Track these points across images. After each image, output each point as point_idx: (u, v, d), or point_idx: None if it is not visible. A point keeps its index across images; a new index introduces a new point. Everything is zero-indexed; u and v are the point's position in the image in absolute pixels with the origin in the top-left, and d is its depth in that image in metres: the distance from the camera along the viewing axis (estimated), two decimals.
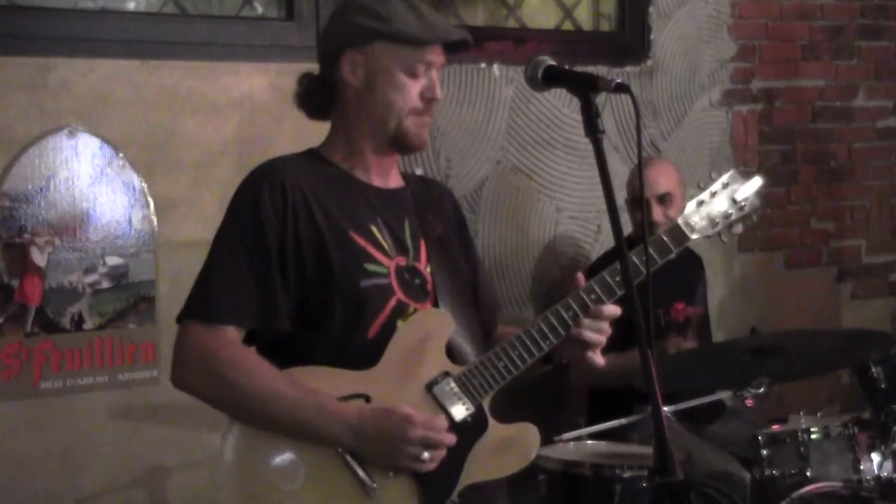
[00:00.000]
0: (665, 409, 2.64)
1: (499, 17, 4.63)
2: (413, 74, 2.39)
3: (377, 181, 2.45)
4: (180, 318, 2.33)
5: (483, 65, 4.41)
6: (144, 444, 3.69)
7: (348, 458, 2.22)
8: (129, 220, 3.66)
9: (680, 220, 2.45)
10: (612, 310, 2.37)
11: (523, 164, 4.53)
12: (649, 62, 4.83)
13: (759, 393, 3.47)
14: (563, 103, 4.54)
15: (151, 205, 3.69)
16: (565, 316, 2.35)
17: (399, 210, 2.45)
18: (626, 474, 3.36)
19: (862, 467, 3.52)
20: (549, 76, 2.20)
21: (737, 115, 5.12)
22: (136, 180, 3.67)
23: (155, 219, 3.69)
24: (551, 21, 4.74)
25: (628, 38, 4.83)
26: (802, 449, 3.59)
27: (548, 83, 2.21)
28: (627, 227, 4.08)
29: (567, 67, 2.27)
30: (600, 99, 2.13)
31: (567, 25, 4.76)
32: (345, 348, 2.29)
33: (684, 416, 3.72)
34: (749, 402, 3.60)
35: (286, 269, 2.29)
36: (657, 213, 3.95)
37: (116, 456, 3.66)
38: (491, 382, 2.31)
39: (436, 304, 2.39)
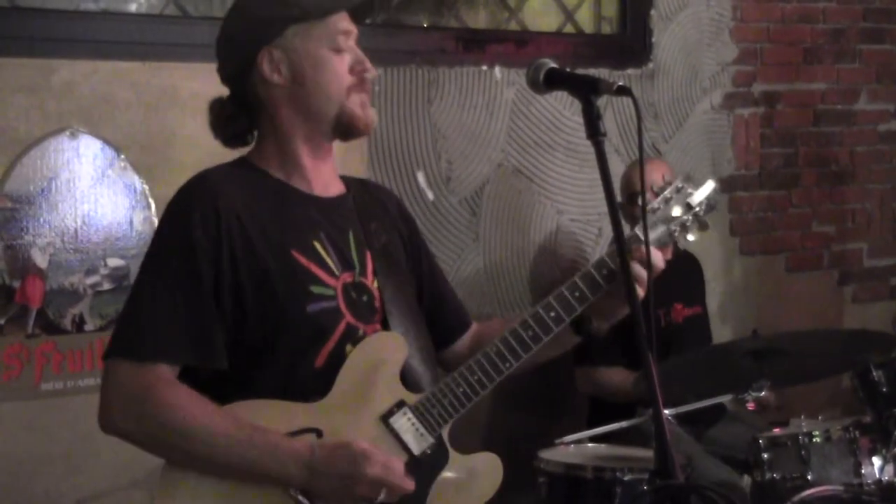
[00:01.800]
0: (666, 412, 2.63)
1: (500, 20, 4.63)
2: (337, 49, 2.24)
3: (317, 189, 2.30)
4: (106, 356, 2.16)
5: (484, 67, 4.41)
6: None
7: (300, 498, 2.08)
8: (131, 222, 3.66)
9: (636, 229, 2.33)
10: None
11: (524, 166, 4.53)
12: (651, 65, 4.83)
13: (761, 396, 3.47)
14: (564, 106, 4.54)
15: (153, 206, 3.70)
16: (524, 335, 2.23)
17: (342, 220, 2.30)
18: (627, 477, 3.35)
19: (863, 471, 3.51)
20: (550, 79, 2.16)
21: (738, 118, 5.12)
22: (138, 182, 3.67)
23: (156, 220, 3.69)
24: (553, 24, 4.74)
25: (630, 41, 4.82)
26: (803, 452, 3.59)
27: (549, 86, 2.17)
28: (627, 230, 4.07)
29: (568, 70, 2.24)
30: (602, 101, 2.12)
31: (569, 28, 4.76)
32: (291, 379, 2.14)
33: (685, 419, 3.72)
34: (750, 406, 3.60)
35: (222, 300, 2.13)
36: None
37: (117, 457, 3.65)
38: (450, 410, 2.19)
39: (385, 322, 2.26)
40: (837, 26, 5.42)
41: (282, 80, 2.26)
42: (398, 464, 2.12)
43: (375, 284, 2.28)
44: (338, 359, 2.17)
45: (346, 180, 2.42)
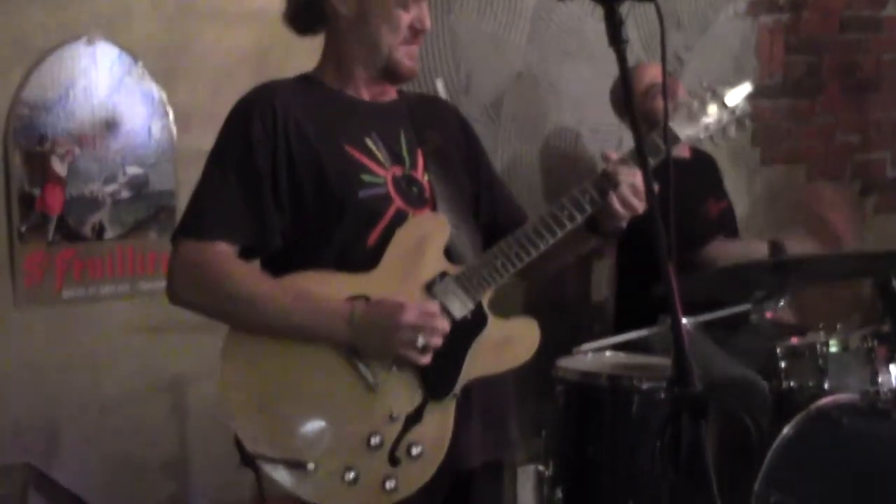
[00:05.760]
0: (685, 320, 2.64)
1: None
2: (405, 6, 2.40)
3: (368, 96, 2.46)
4: (174, 237, 2.36)
5: None
6: (166, 353, 3.72)
7: (349, 355, 2.24)
8: (149, 130, 3.66)
9: (671, 125, 2.44)
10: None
11: (545, 75, 4.49)
12: None
13: (780, 307, 3.47)
14: (586, 13, 4.48)
15: (171, 114, 3.69)
16: (560, 215, 2.37)
17: (393, 122, 2.46)
18: (645, 386, 3.38)
19: (880, 379, 3.53)
20: None
21: (762, 26, 5.05)
22: (155, 90, 3.66)
23: (174, 129, 3.69)
24: None
25: None
26: (821, 361, 3.61)
27: None
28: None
29: None
30: (624, 9, 2.10)
31: None
32: (345, 258, 2.31)
33: (704, 328, 3.73)
34: (769, 315, 3.60)
35: (278, 189, 2.31)
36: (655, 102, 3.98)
37: (138, 364, 3.70)
38: (489, 280, 2.33)
39: (434, 210, 2.41)
40: None
41: (348, 13, 2.41)
42: (434, 306, 2.27)
43: (426, 178, 2.43)
44: (388, 238, 2.33)
45: (403, 93, 2.57)
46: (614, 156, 2.43)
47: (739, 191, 4.97)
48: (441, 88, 4.22)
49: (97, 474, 3.59)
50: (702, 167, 4.35)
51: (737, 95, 2.49)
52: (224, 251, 2.29)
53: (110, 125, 3.59)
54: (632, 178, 2.36)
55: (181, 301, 2.34)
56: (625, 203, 2.37)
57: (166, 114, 3.68)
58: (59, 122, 3.50)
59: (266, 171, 2.31)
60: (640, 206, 2.37)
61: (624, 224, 2.44)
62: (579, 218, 2.39)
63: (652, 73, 4.10)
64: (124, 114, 3.61)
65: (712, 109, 2.48)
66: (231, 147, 2.34)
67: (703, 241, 4.01)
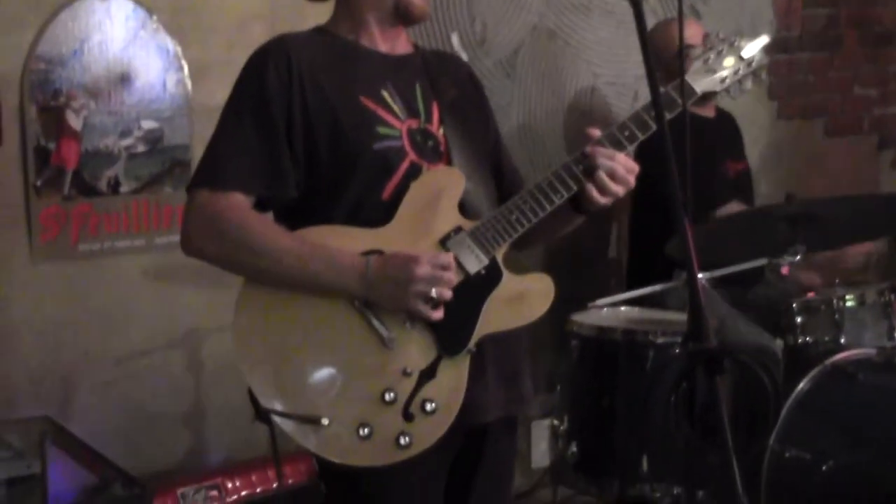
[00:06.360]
0: (701, 275, 2.63)
1: None
2: None
3: (384, 48, 2.44)
4: (189, 188, 2.35)
5: None
6: (181, 307, 3.74)
7: (363, 308, 2.24)
8: (164, 84, 3.65)
9: (687, 77, 2.42)
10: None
11: (560, 28, 4.46)
12: None
13: (795, 261, 3.46)
14: None
15: (185, 68, 3.68)
16: (575, 169, 2.33)
17: (409, 74, 2.43)
18: (660, 340, 3.38)
19: None
20: None
21: None
22: (170, 44, 3.65)
23: (189, 83, 3.68)
24: None
25: None
26: (837, 316, 3.60)
27: None
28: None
29: None
30: None
31: None
32: (359, 210, 2.30)
33: (720, 283, 3.72)
34: (784, 270, 3.59)
35: (293, 139, 2.30)
36: None
37: (154, 318, 3.71)
38: (504, 235, 2.31)
39: (449, 164, 2.38)
40: None
41: None
42: (446, 257, 2.25)
43: (441, 132, 2.41)
44: (402, 192, 2.31)
45: (418, 46, 2.55)
46: (596, 133, 2.37)
47: (756, 144, 4.94)
48: (456, 42, 4.20)
49: (113, 427, 3.61)
50: (723, 126, 4.33)
51: (754, 47, 2.47)
52: (239, 202, 2.28)
53: (125, 79, 3.58)
54: (609, 163, 2.31)
55: (195, 251, 2.33)
56: (603, 190, 2.32)
57: (181, 68, 3.67)
58: (74, 77, 3.49)
59: (281, 122, 2.29)
60: (621, 190, 2.32)
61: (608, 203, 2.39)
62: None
63: (688, 34, 4.05)
64: (139, 68, 3.60)
65: (729, 62, 2.45)
66: (246, 98, 2.33)
67: (718, 201, 3.99)
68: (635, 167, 2.34)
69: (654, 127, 2.30)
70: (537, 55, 4.42)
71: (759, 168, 4.95)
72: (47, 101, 3.46)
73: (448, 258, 2.25)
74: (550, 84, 4.47)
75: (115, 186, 3.59)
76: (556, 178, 2.33)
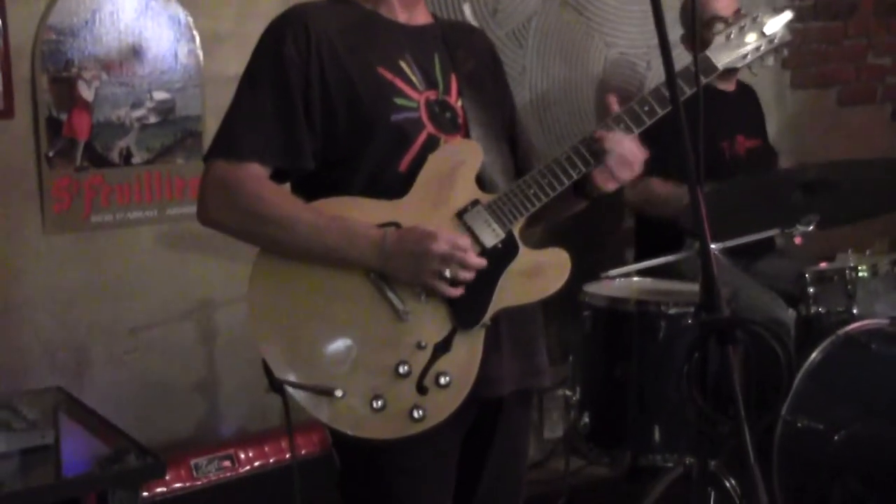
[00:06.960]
0: (713, 245, 2.62)
1: None
2: None
3: (403, 18, 2.42)
4: (206, 158, 2.34)
5: None
6: (193, 278, 3.75)
7: (378, 281, 2.24)
8: (175, 55, 3.64)
9: (708, 52, 2.41)
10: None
11: None
12: None
13: (809, 231, 3.44)
14: None
15: (197, 39, 3.67)
16: (583, 149, 2.33)
17: (428, 45, 2.42)
18: (672, 311, 3.38)
19: None
20: None
21: None
22: (182, 14, 3.64)
23: (201, 53, 3.67)
24: None
25: None
26: (849, 287, 3.59)
27: None
28: (679, 62, 4.01)
29: None
30: None
31: None
32: (376, 182, 2.29)
33: (732, 253, 3.71)
34: (797, 240, 3.57)
35: (311, 109, 2.28)
36: None
37: (166, 289, 3.72)
38: (521, 209, 2.30)
39: (467, 137, 2.37)
40: None
41: None
42: (465, 240, 2.24)
43: (459, 103, 2.40)
44: (419, 164, 2.30)
45: (437, 17, 2.54)
46: (615, 106, 2.38)
47: (769, 114, 4.92)
48: (468, 12, 4.18)
49: (126, 398, 3.63)
50: (741, 101, 4.30)
51: (776, 23, 2.46)
52: (256, 172, 2.27)
53: (137, 50, 3.58)
54: (619, 148, 2.32)
55: (211, 221, 2.32)
56: (613, 176, 2.34)
57: (193, 38, 3.66)
58: (86, 47, 3.49)
59: (298, 93, 2.28)
60: (630, 175, 2.34)
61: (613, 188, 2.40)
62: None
63: (719, 6, 4.03)
64: (151, 38, 3.60)
65: (751, 37, 2.45)
66: (264, 67, 2.31)
67: (724, 176, 3.97)
68: (641, 155, 2.35)
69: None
70: (550, 25, 4.40)
71: (772, 138, 4.93)
72: (59, 72, 3.46)
73: (465, 240, 2.24)
74: (563, 54, 4.45)
75: (127, 157, 3.59)
76: (574, 152, 2.33)
